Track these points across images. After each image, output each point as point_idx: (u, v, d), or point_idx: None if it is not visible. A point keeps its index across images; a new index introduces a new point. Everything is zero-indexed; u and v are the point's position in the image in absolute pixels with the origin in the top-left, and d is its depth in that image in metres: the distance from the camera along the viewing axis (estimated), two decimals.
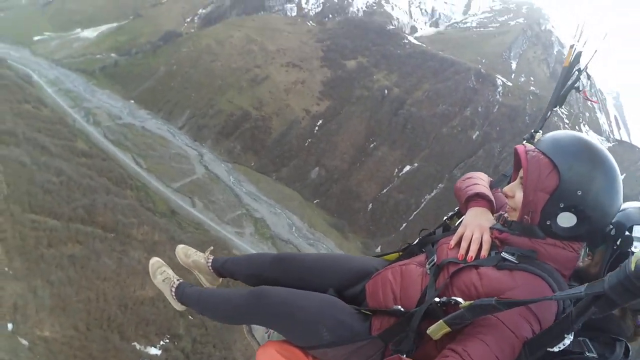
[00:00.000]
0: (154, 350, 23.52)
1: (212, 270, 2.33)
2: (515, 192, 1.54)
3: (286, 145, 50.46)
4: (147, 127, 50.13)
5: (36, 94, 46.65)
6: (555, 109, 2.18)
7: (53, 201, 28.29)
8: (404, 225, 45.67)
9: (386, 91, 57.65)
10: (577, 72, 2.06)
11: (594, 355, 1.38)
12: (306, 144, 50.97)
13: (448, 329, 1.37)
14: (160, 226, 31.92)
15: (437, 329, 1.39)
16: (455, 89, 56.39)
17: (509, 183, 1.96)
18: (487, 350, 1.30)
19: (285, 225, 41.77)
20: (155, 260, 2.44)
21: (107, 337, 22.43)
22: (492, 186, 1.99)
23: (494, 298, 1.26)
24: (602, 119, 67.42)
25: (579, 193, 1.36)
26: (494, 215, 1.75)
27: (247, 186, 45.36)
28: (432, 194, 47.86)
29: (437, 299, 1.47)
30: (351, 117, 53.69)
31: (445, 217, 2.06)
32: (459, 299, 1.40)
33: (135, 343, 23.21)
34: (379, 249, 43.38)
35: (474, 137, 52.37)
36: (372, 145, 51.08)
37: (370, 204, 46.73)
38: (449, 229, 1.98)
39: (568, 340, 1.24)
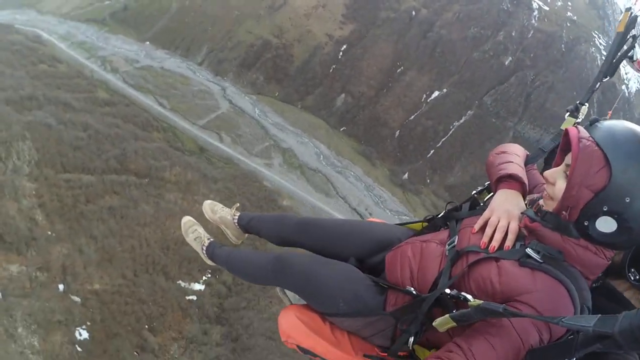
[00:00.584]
0: (197, 286, 25.20)
1: (238, 227, 2.37)
2: (557, 179, 1.38)
3: (310, 73, 49.01)
4: (166, 66, 49.16)
5: (50, 53, 45.72)
6: (605, 79, 1.94)
7: (84, 157, 28.78)
8: (432, 152, 45.36)
9: (414, 12, 53.48)
10: (631, 39, 1.83)
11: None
12: (331, 71, 49.28)
13: (454, 324, 1.33)
14: (192, 165, 32.54)
15: (442, 323, 1.36)
16: (488, 11, 51.67)
17: (546, 161, 1.92)
18: (492, 352, 1.26)
19: (312, 154, 42.15)
20: (187, 220, 2.50)
21: (154, 280, 23.84)
22: (527, 162, 1.87)
23: (502, 305, 1.22)
24: None
25: (627, 200, 1.21)
26: (527, 198, 1.65)
27: (272, 117, 45.17)
28: (461, 121, 46.50)
29: (447, 291, 1.43)
30: (377, 41, 50.81)
31: (473, 192, 1.97)
32: (469, 296, 1.35)
33: (180, 281, 24.88)
34: (406, 176, 43.80)
35: (506, 63, 49.11)
36: (399, 70, 48.89)
37: (398, 131, 46.10)
38: (477, 204, 1.89)
39: None
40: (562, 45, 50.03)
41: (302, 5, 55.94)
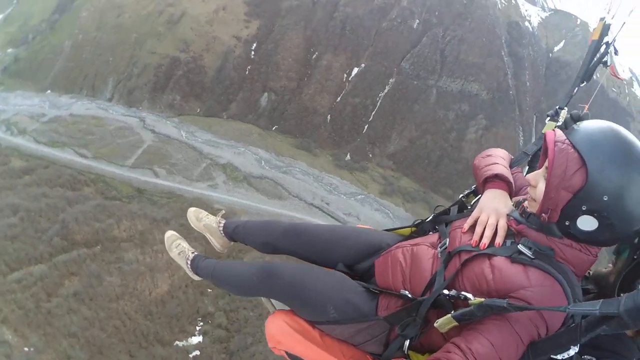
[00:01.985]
0: (195, 339, 24.14)
1: (223, 234, 2.29)
2: (538, 181, 1.41)
3: (226, 80, 47.19)
4: (75, 112, 45.14)
5: None
6: (582, 84, 2.00)
7: (25, 245, 26.26)
8: (366, 127, 45.79)
9: None
10: (604, 46, 1.90)
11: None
12: (247, 73, 47.80)
13: (456, 324, 1.34)
14: (136, 213, 30.49)
15: (444, 323, 1.35)
16: None
17: (530, 164, 1.95)
18: (492, 350, 1.26)
19: (253, 162, 40.83)
20: (170, 234, 2.42)
21: (152, 353, 22.50)
22: (511, 164, 1.86)
23: (505, 300, 1.23)
24: None
25: (605, 198, 1.23)
26: (513, 198, 1.65)
27: (201, 135, 43.09)
28: (385, 91, 47.26)
29: (446, 292, 1.42)
30: (286, 32, 49.94)
31: (461, 195, 1.93)
32: (469, 295, 1.34)
33: (177, 342, 23.71)
34: (348, 157, 43.82)
35: (414, 26, 50.39)
36: (314, 56, 48.46)
37: (329, 116, 45.94)
38: (464, 207, 1.88)
39: (573, 351, 1.20)
40: None
41: (201, 13, 53.52)
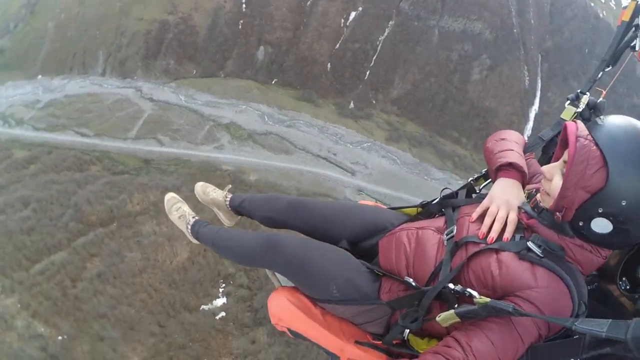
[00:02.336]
0: (220, 301, 24.37)
1: (230, 209, 2.30)
2: (554, 175, 1.37)
3: (220, 37, 45.55)
4: (70, 92, 44.16)
5: None
6: (608, 68, 1.88)
7: (43, 236, 25.93)
8: (368, 73, 44.54)
9: None
10: (634, 29, 1.78)
11: None
12: (240, 27, 46.03)
13: (458, 320, 1.33)
14: (147, 184, 30.15)
15: (447, 318, 1.34)
16: None
17: (544, 149, 1.88)
18: (492, 349, 1.25)
19: (256, 119, 40.11)
20: (170, 197, 2.44)
21: (181, 320, 22.78)
22: (525, 149, 1.82)
23: (512, 305, 1.21)
24: None
25: (624, 203, 1.19)
26: (526, 188, 1.62)
27: (200, 97, 42.19)
28: (385, 34, 45.46)
29: (451, 286, 1.39)
30: None
31: (470, 179, 1.91)
32: (475, 293, 1.32)
33: (202, 306, 23.93)
34: (352, 105, 42.94)
35: None
36: (309, 3, 46.38)
37: (329, 64, 44.53)
38: (473, 191, 1.85)
39: None
40: None
41: None
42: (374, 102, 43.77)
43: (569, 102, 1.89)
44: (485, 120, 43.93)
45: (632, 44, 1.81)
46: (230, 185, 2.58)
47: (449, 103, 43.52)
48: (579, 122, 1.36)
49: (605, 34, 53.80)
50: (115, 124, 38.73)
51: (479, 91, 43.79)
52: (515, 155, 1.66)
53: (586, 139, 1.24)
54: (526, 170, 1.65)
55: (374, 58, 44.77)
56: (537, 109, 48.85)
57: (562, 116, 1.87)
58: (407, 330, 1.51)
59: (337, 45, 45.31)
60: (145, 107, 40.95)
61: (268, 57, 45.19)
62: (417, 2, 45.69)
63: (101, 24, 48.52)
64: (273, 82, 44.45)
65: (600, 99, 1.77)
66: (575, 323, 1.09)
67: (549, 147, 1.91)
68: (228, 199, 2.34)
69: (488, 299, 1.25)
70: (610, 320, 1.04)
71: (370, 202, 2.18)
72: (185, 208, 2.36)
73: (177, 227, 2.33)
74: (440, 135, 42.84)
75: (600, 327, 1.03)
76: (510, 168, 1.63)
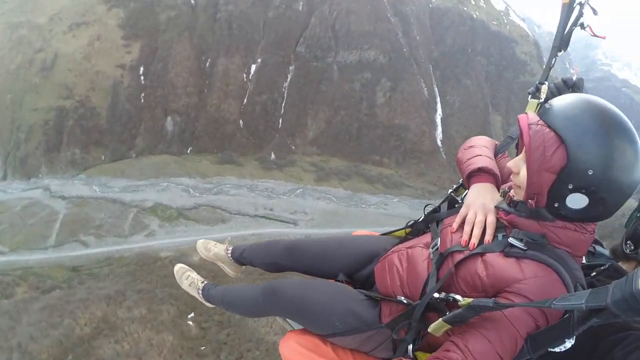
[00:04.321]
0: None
1: (232, 260, 2.38)
2: (520, 167, 1.37)
3: (123, 115, 43.91)
4: None
5: None
6: (560, 53, 1.91)
7: None
8: (281, 121, 45.42)
9: (192, 1, 50.84)
10: (578, 7, 1.78)
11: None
12: (142, 101, 44.82)
13: (449, 327, 1.33)
14: (87, 298, 27.05)
15: (437, 328, 1.35)
16: None
17: (517, 147, 1.81)
18: (489, 346, 1.26)
19: (181, 194, 38.62)
20: (179, 267, 2.51)
21: None
22: (497, 151, 1.83)
23: (492, 300, 1.22)
24: None
25: (590, 173, 1.18)
26: (501, 188, 1.61)
27: (116, 183, 39.81)
28: (289, 80, 47.06)
29: (436, 295, 1.42)
30: (171, 46, 47.31)
31: (449, 190, 1.91)
32: (458, 297, 1.34)
33: None
34: (272, 156, 43.45)
35: (300, 8, 50.15)
36: (208, 64, 46.59)
37: (241, 121, 44.84)
38: (455, 202, 1.85)
39: (569, 343, 1.18)
40: None
41: (75, 49, 48.86)
42: (293, 148, 44.86)
43: (530, 95, 1.88)
44: (400, 137, 46.84)
45: (579, 22, 1.80)
46: (229, 238, 2.68)
47: (363, 130, 45.96)
48: (529, 112, 1.43)
49: (481, 31, 60.27)
50: (30, 234, 34.83)
51: (387, 112, 46.73)
52: (483, 160, 1.68)
53: (537, 125, 1.27)
54: (497, 172, 1.65)
55: (283, 105, 46.09)
56: (441, 113, 53.09)
57: (526, 110, 1.83)
58: (410, 347, 1.51)
59: (245, 101, 46.09)
60: (58, 208, 37.44)
61: (178, 127, 44.73)
62: (312, 44, 48.08)
63: None
64: (189, 151, 43.98)
65: (575, 76, 1.78)
66: (554, 302, 1.08)
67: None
68: (229, 252, 2.38)
69: (470, 300, 1.26)
70: (590, 289, 1.04)
71: (363, 232, 2.24)
72: (194, 275, 2.44)
73: (190, 293, 2.43)
74: (364, 162, 44.76)
75: (579, 299, 1.03)
76: (480, 173, 1.64)
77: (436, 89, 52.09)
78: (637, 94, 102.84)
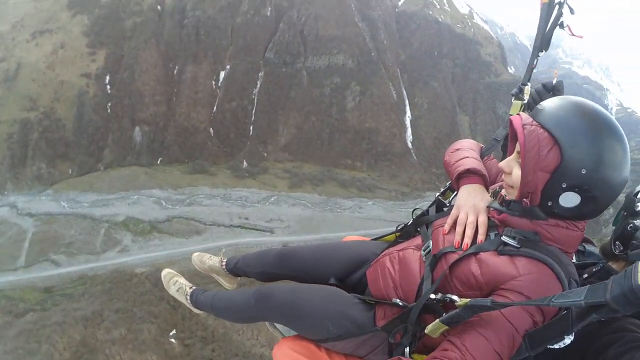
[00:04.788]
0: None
1: (227, 272, 2.37)
2: (512, 168, 1.38)
3: (89, 127, 42.91)
4: None
5: None
6: (542, 53, 1.91)
7: None
8: (252, 128, 45.45)
9: (159, 7, 49.98)
10: (557, 7, 1.80)
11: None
12: (109, 111, 43.92)
13: (447, 328, 1.32)
14: (63, 321, 26.12)
15: (435, 329, 1.34)
16: None
17: (502, 148, 1.90)
18: (487, 345, 1.26)
19: (153, 206, 37.94)
20: (166, 272, 2.47)
21: None
22: (482, 154, 1.84)
23: (489, 299, 1.21)
24: None
25: (583, 172, 1.21)
26: (490, 188, 1.63)
27: (85, 198, 38.75)
28: (258, 86, 47.05)
29: (433, 296, 1.40)
30: (138, 54, 46.50)
31: (437, 194, 1.92)
32: (455, 297, 1.32)
33: None
34: (245, 164, 43.50)
35: (268, 14, 50.18)
36: (176, 71, 46.08)
37: (211, 129, 44.59)
38: (443, 206, 1.88)
39: (568, 339, 1.17)
40: None
41: (39, 58, 47.31)
42: (265, 155, 44.95)
43: (514, 97, 1.90)
44: (371, 140, 47.71)
45: (559, 22, 1.82)
46: (224, 250, 2.58)
47: (335, 135, 46.56)
48: (522, 113, 1.45)
49: (447, 34, 61.73)
50: None
51: (357, 116, 47.49)
52: (471, 161, 1.69)
53: (532, 125, 1.30)
54: (485, 173, 1.67)
55: (254, 112, 46.17)
56: (410, 116, 54.43)
57: (510, 112, 1.87)
58: (407, 351, 1.50)
59: (215, 109, 45.92)
60: (26, 226, 36.05)
61: (146, 137, 43.98)
62: (280, 49, 48.24)
63: None
64: (159, 162, 43.34)
65: (555, 79, 1.79)
66: (552, 300, 1.09)
67: (505, 146, 1.87)
68: (224, 263, 2.36)
69: (467, 300, 1.26)
70: (588, 286, 1.04)
71: (355, 237, 2.25)
72: (182, 281, 2.36)
73: (177, 299, 2.36)
74: (336, 166, 45.31)
75: (578, 296, 1.04)
76: (469, 174, 1.66)
77: (404, 91, 53.27)
78: (598, 90, 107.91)
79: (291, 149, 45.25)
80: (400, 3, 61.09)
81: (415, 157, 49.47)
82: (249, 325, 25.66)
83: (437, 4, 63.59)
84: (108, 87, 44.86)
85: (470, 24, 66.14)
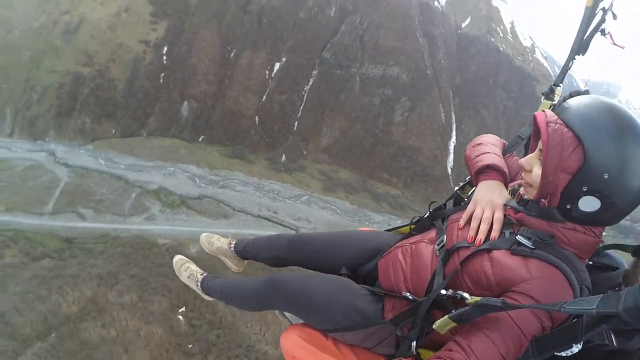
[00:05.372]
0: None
1: (235, 254, 2.36)
2: (533, 166, 1.35)
3: (140, 92, 43.50)
4: None
5: None
6: (578, 55, 1.85)
7: None
8: (296, 124, 45.20)
9: None
10: (601, 12, 1.73)
11: (614, 345, 1.20)
12: (161, 81, 44.45)
13: (454, 324, 1.30)
14: (78, 275, 26.21)
15: (443, 325, 1.32)
16: None
17: (526, 147, 1.83)
18: (493, 348, 1.24)
19: (187, 181, 37.91)
20: (178, 258, 2.47)
21: None
22: (505, 151, 1.81)
23: (500, 300, 1.19)
24: None
25: (606, 176, 1.17)
26: (509, 186, 1.61)
27: (122, 160, 39.09)
28: (310, 84, 46.85)
29: (443, 292, 1.39)
30: (198, 31, 46.98)
31: (456, 188, 1.90)
32: (466, 295, 1.31)
33: None
34: (283, 158, 43.19)
35: (332, 14, 50.02)
36: (232, 55, 46.29)
37: (257, 117, 44.55)
38: (461, 200, 1.86)
39: (576, 348, 1.16)
40: None
41: (102, 17, 48.44)
42: (305, 153, 44.57)
43: (544, 96, 1.88)
44: (412, 158, 46.64)
45: (601, 28, 1.77)
46: (233, 232, 2.63)
47: (377, 146, 45.61)
48: (547, 110, 1.39)
49: (506, 64, 60.45)
50: (29, 196, 34.00)
51: (403, 132, 46.52)
52: (492, 157, 1.66)
53: (556, 123, 1.25)
54: (505, 170, 1.64)
55: (301, 108, 45.82)
56: (455, 141, 53.15)
57: (539, 110, 1.83)
58: (414, 344, 1.49)
59: (264, 98, 45.76)
60: (61, 175, 36.68)
61: (193, 113, 44.05)
62: (338, 51, 47.89)
63: (8, 75, 43.72)
64: (200, 140, 43.30)
65: (584, 87, 1.72)
66: (564, 306, 1.06)
67: (529, 145, 1.81)
68: (232, 245, 2.35)
69: (478, 298, 1.24)
70: (601, 295, 1.01)
71: (367, 229, 2.20)
72: (193, 267, 2.38)
73: (189, 286, 2.37)
74: (372, 178, 44.47)
75: (590, 304, 1.00)
76: (489, 170, 1.63)
77: (453, 115, 52.04)
78: None
79: (331, 152, 44.70)
80: (464, 25, 59.91)
81: (452, 185, 48.10)
82: (258, 320, 25.36)
83: (500, 32, 62.18)
84: (164, 57, 45.45)
85: (530, 58, 64.45)
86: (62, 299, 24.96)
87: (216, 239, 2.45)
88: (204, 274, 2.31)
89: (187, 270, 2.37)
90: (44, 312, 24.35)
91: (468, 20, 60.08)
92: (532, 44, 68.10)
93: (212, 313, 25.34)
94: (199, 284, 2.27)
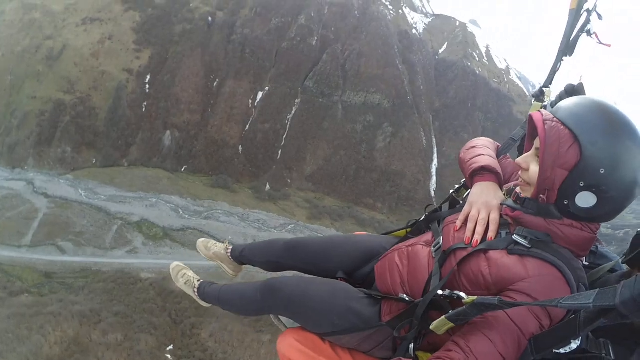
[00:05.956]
0: None
1: (232, 260, 2.35)
2: (530, 164, 1.39)
3: (122, 121, 43.23)
4: None
5: None
6: (566, 57, 1.90)
7: None
8: (280, 152, 45.45)
9: (210, 18, 51.26)
10: (586, 13, 1.80)
11: (612, 358, 1.20)
12: (144, 110, 44.32)
13: (452, 325, 1.31)
14: (59, 313, 25.22)
15: (440, 325, 1.33)
16: None
17: (519, 148, 1.86)
18: (491, 347, 1.25)
19: (170, 213, 37.41)
20: (175, 265, 2.46)
21: None
22: (499, 153, 1.84)
23: (497, 298, 1.20)
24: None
25: (602, 172, 1.21)
26: (504, 187, 1.63)
27: (103, 191, 38.40)
28: (293, 112, 47.40)
29: (440, 292, 1.40)
30: (182, 60, 47.37)
31: (451, 191, 1.91)
32: (462, 294, 1.32)
33: None
34: (268, 187, 43.25)
35: (313, 43, 51.20)
36: (215, 84, 46.68)
37: (240, 146, 44.64)
38: (456, 203, 1.86)
39: (575, 344, 1.16)
40: (356, 12, 54.71)
41: (85, 44, 48.37)
42: (289, 181, 44.51)
43: (534, 98, 1.89)
44: (395, 183, 47.23)
45: (586, 29, 1.80)
46: (230, 237, 2.57)
47: (361, 172, 46.15)
48: (542, 110, 1.44)
49: (483, 87, 62.44)
50: (6, 227, 32.99)
51: (385, 157, 47.23)
52: (486, 159, 1.68)
53: (553, 121, 1.29)
54: (500, 171, 1.66)
55: (284, 137, 46.10)
56: (436, 164, 54.29)
57: (529, 112, 1.81)
58: (412, 347, 1.50)
59: (247, 127, 45.95)
60: (39, 205, 35.70)
61: (176, 142, 43.92)
62: (320, 80, 48.68)
63: None
64: (183, 170, 43.08)
65: (579, 81, 1.79)
66: (561, 301, 1.07)
67: (522, 146, 1.87)
68: (229, 251, 2.35)
69: (475, 297, 1.24)
70: (598, 289, 1.01)
71: (363, 232, 2.24)
72: (190, 274, 2.38)
73: (185, 292, 2.37)
74: (357, 204, 44.79)
75: (587, 299, 1.01)
76: (483, 171, 1.64)
77: (434, 139, 53.29)
78: None
79: (315, 180, 44.98)
80: (441, 51, 62.03)
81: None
82: (251, 356, 24.77)
83: (476, 56, 64.50)
84: (147, 86, 45.50)
85: (506, 79, 66.87)
86: (43, 340, 24.04)
87: (213, 244, 2.46)
88: (201, 280, 2.32)
89: (184, 277, 2.38)
90: (25, 354, 23.43)
91: (445, 46, 62.29)
92: (507, 66, 70.85)
93: (202, 350, 24.78)
94: (195, 290, 2.28)
